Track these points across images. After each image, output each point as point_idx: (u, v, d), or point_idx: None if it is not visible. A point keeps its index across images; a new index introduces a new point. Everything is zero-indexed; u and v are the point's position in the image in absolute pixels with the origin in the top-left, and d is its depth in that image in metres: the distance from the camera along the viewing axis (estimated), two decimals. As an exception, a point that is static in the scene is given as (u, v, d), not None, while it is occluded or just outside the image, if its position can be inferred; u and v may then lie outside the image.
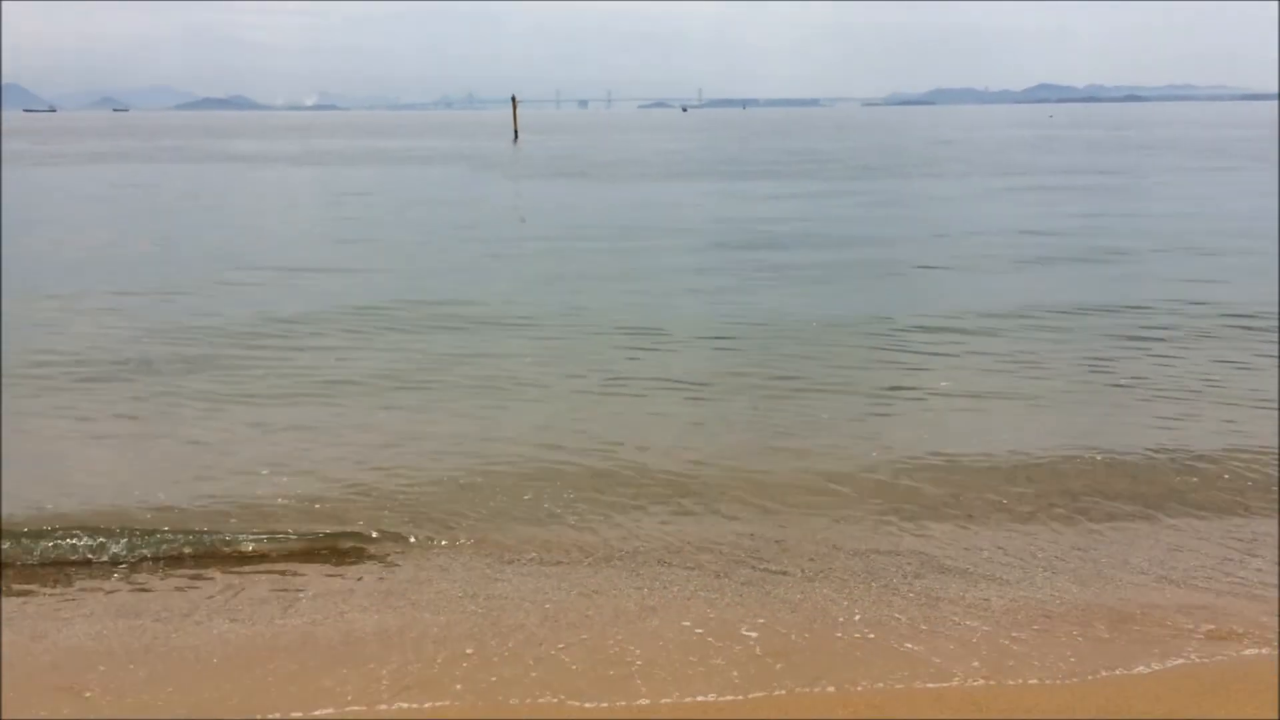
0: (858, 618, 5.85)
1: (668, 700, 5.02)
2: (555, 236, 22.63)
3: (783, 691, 5.10)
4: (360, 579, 6.40)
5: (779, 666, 5.32)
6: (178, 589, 6.27)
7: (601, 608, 5.97)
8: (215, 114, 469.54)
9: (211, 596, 6.18)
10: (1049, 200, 30.00)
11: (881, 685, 5.16)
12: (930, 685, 5.16)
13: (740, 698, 5.04)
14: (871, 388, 10.32)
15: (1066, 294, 14.94)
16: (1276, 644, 5.57)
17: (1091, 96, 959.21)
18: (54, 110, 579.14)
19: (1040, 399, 9.99)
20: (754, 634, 5.65)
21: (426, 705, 4.99)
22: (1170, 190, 33.82)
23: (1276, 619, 5.84)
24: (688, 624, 5.76)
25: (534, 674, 5.25)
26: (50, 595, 6.21)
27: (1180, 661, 5.42)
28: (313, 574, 6.47)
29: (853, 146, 70.79)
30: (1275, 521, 7.20)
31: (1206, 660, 5.43)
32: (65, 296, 15.50)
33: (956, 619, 5.84)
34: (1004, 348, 11.88)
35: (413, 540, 6.89)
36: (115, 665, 5.37)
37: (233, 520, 7.15)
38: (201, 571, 6.50)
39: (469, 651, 5.46)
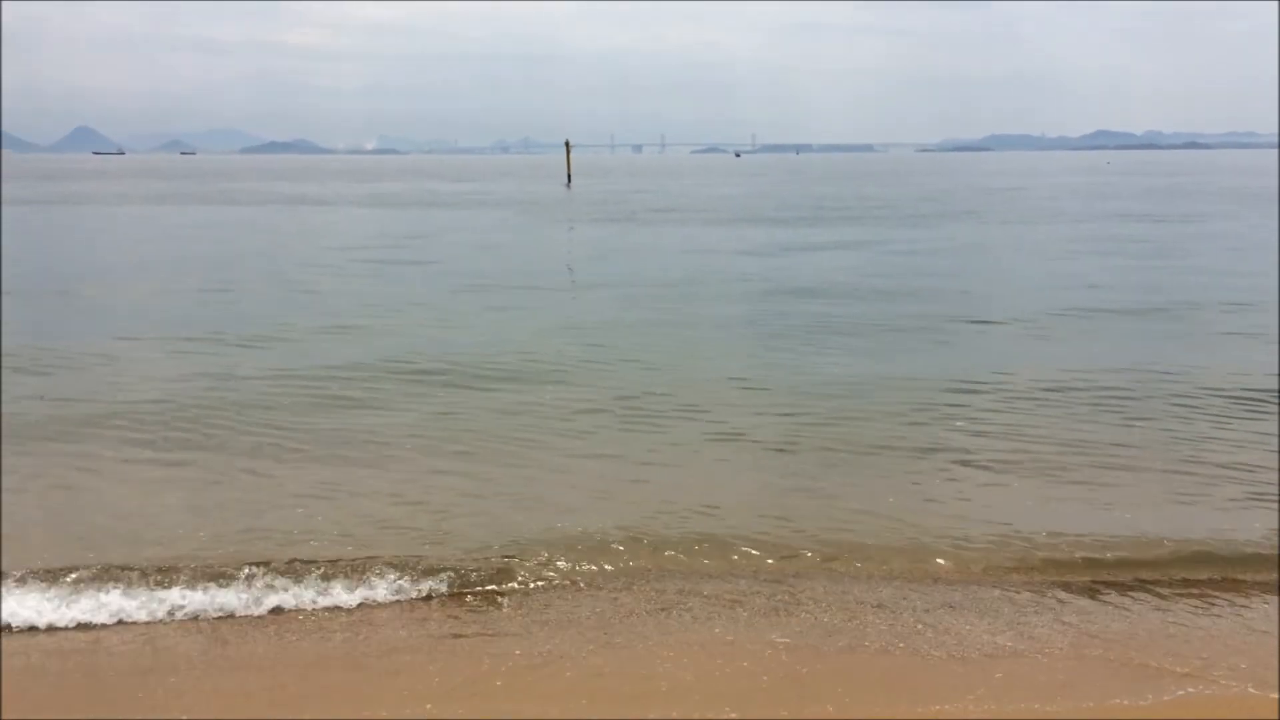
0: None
1: None
2: (602, 286, 22.60)
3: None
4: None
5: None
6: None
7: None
8: (279, 157, 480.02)
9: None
10: (1102, 251, 29.80)
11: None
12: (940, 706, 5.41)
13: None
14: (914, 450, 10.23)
15: (1120, 356, 14.43)
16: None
17: (1150, 143, 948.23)
18: (122, 153, 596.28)
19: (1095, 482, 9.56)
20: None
21: None
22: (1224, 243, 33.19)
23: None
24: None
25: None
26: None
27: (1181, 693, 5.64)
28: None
29: (904, 193, 70.71)
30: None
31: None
32: (152, 340, 16.22)
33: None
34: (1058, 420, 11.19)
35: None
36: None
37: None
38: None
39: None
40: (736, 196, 68.04)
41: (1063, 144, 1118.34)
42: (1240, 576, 7.36)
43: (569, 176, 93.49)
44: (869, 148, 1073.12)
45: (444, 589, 7.15)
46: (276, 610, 6.88)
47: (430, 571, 7.31)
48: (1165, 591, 7.14)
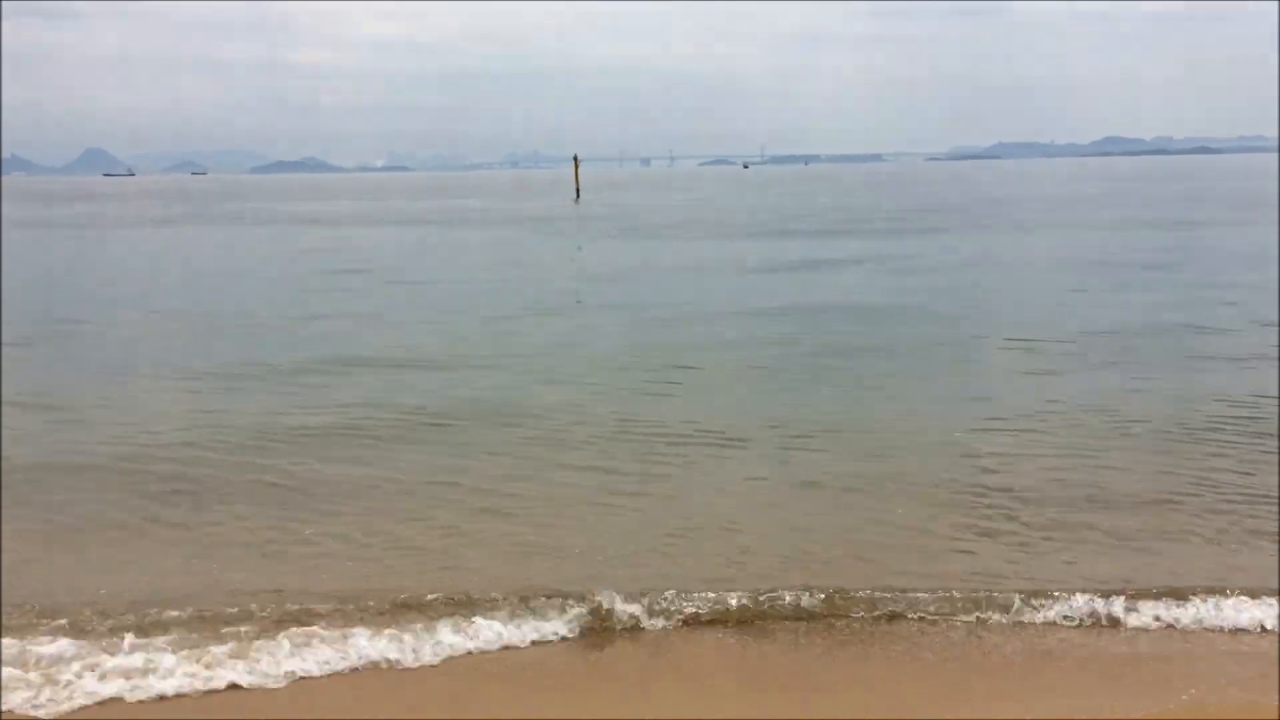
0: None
1: None
2: (609, 309, 22.06)
3: None
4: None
5: None
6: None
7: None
8: (290, 177, 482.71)
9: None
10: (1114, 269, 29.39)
11: None
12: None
13: None
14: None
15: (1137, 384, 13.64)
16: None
17: (1160, 149, 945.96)
18: (132, 174, 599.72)
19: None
20: None
21: None
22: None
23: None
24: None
25: None
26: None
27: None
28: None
29: (911, 204, 70.42)
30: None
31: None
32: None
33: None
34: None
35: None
36: None
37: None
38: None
39: None
40: (743, 209, 67.85)
41: (1072, 150, 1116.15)
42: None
43: (577, 191, 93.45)
44: (878, 157, 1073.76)
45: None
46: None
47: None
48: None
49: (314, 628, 6.76)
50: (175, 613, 6.98)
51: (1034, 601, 7.13)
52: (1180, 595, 7.19)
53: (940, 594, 7.28)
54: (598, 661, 6.61)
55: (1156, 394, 13.00)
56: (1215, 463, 10.07)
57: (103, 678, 6.16)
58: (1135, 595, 7.18)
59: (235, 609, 7.07)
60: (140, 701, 6.02)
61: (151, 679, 6.19)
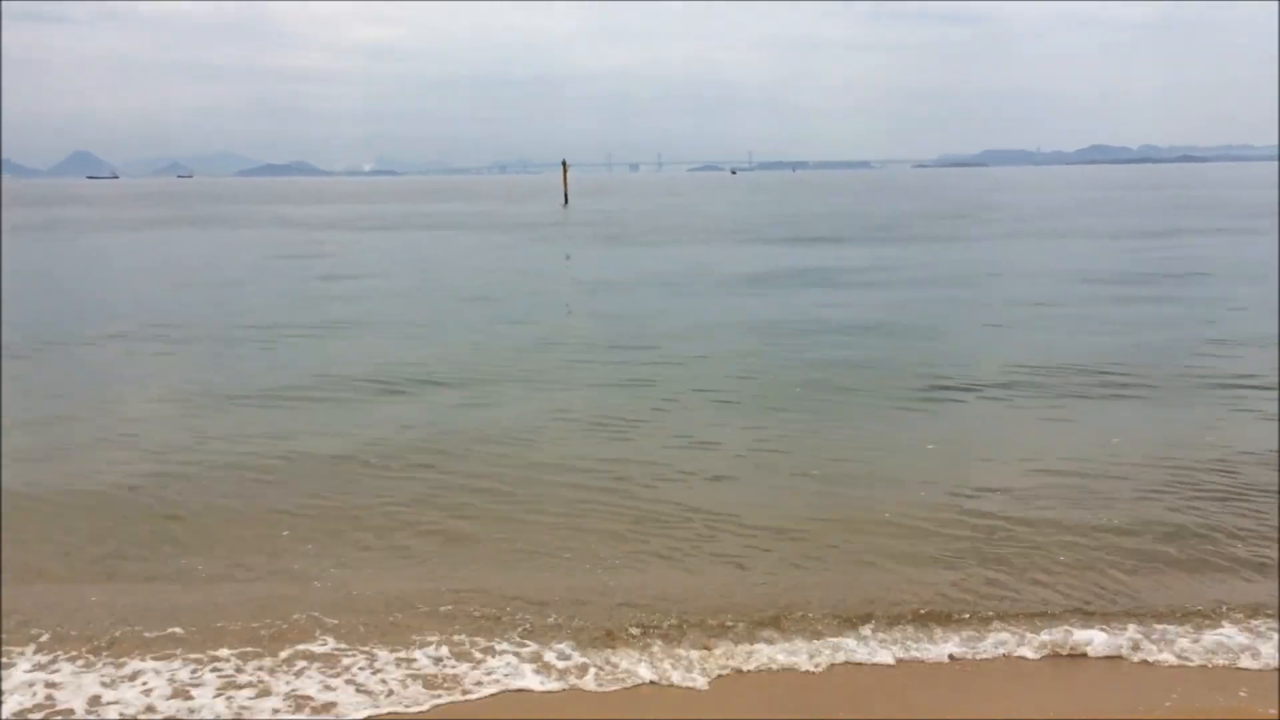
0: None
1: None
2: (601, 321, 20.80)
3: None
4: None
5: None
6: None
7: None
8: (277, 180, 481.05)
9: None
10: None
11: None
12: None
13: None
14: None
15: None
16: None
17: (1146, 157, 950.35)
18: (116, 177, 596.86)
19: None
20: None
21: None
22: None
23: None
24: None
25: None
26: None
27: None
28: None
29: (899, 210, 70.54)
30: None
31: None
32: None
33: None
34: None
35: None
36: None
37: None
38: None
39: None
40: (729, 215, 67.86)
41: (1058, 159, 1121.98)
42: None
43: (566, 196, 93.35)
44: (866, 164, 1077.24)
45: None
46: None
47: None
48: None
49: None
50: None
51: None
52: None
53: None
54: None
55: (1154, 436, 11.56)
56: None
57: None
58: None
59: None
60: None
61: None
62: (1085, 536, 8.48)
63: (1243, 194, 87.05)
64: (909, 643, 6.79)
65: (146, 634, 6.88)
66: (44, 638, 6.87)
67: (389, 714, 5.93)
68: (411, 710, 5.96)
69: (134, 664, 6.52)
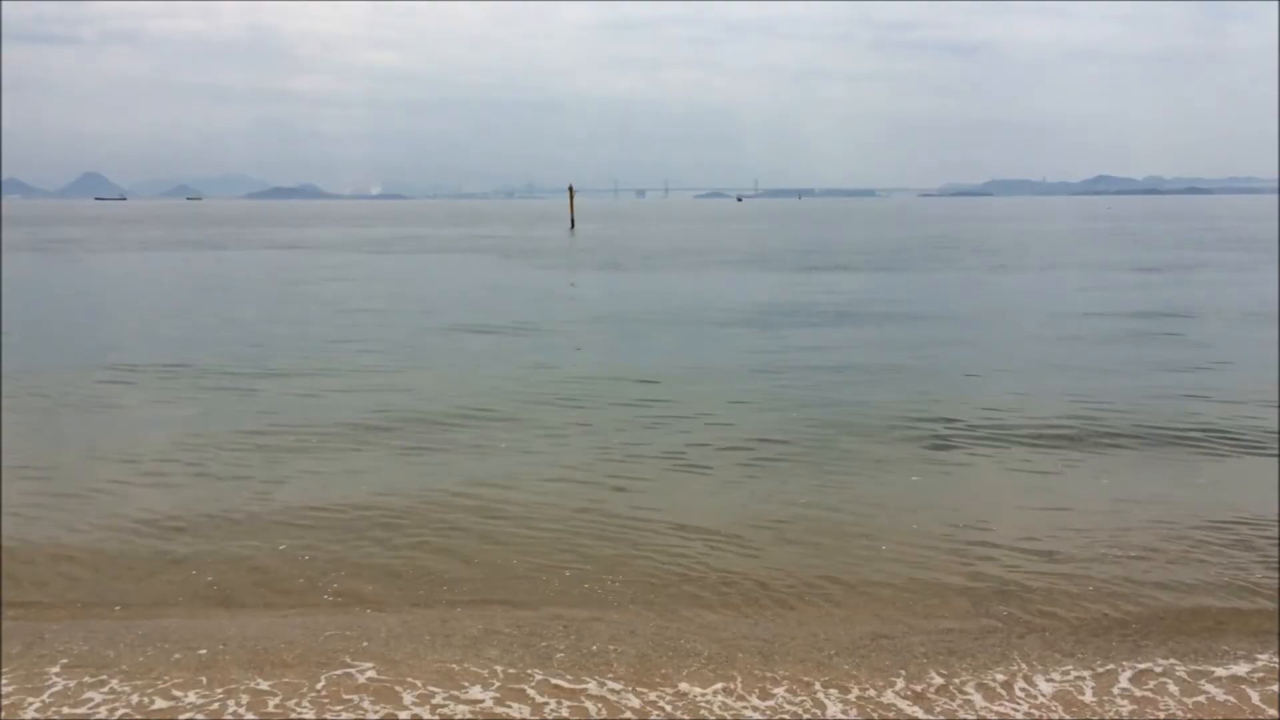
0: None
1: None
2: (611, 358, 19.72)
3: None
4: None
5: None
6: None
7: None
8: (285, 203, 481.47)
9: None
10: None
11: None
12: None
13: None
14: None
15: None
16: None
17: (1151, 188, 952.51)
18: (124, 198, 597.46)
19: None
20: None
21: None
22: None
23: None
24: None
25: None
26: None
27: None
28: None
29: (903, 238, 70.96)
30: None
31: None
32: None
33: None
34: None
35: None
36: None
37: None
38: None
39: None
40: (734, 244, 68.33)
41: (1064, 189, 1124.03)
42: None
43: (572, 221, 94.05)
44: (871, 193, 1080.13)
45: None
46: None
47: None
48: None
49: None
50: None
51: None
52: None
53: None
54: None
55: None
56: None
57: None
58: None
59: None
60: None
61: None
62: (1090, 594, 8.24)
63: (1255, 227, 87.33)
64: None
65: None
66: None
67: None
68: None
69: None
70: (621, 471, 11.51)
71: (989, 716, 6.21)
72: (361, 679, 6.67)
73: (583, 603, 8.07)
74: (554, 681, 6.65)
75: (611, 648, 7.16)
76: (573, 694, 6.49)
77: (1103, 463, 11.92)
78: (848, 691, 6.52)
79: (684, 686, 6.59)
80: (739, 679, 6.68)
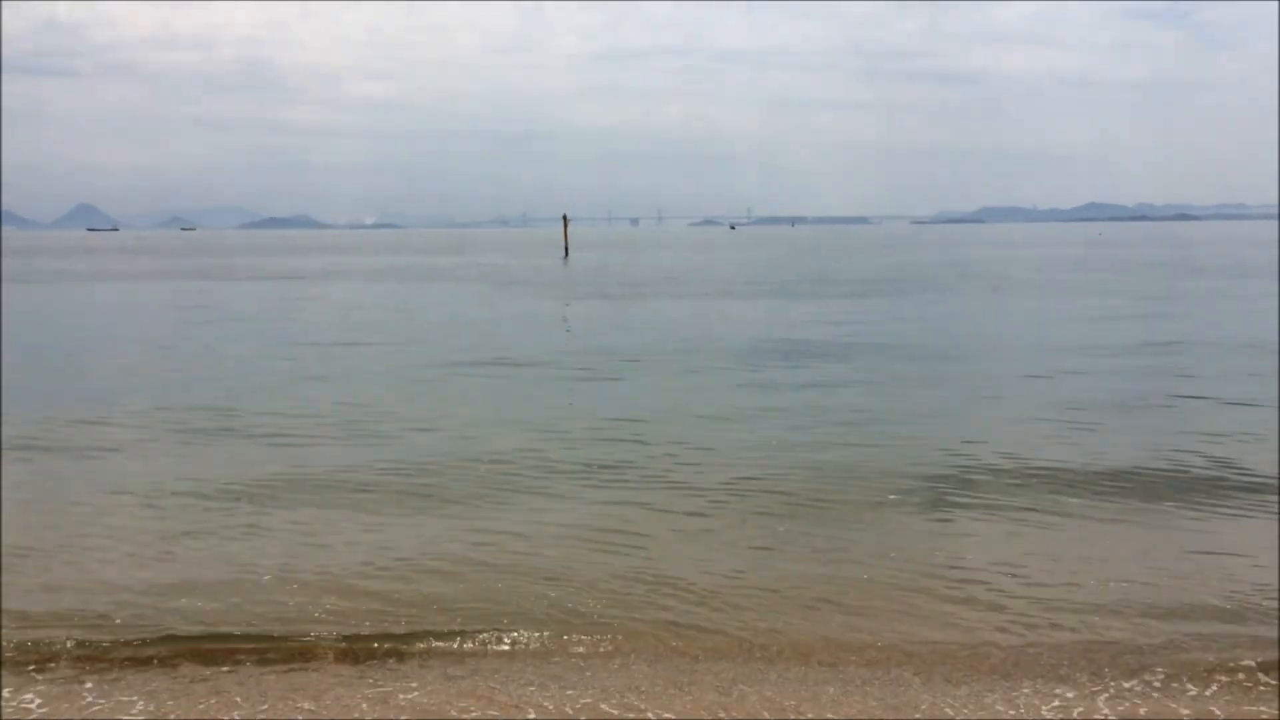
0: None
1: None
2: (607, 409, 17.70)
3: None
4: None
5: None
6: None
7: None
8: (280, 233, 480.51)
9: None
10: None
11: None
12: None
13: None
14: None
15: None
16: None
17: (1141, 215, 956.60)
18: (116, 229, 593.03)
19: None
20: None
21: None
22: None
23: None
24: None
25: None
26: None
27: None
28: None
29: (895, 264, 71.42)
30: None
31: None
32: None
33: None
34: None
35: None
36: None
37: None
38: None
39: None
40: (724, 272, 68.69)
41: (1054, 215, 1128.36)
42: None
43: (566, 250, 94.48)
44: (864, 220, 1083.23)
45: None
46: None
47: None
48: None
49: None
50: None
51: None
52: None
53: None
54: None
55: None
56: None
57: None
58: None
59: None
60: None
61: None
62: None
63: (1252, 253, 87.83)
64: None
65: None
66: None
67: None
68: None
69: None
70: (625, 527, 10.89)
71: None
72: None
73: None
74: None
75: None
76: None
77: (1105, 510, 11.31)
78: None
79: None
80: None
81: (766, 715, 6.74)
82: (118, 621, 8.47)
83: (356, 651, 7.96)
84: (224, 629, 8.32)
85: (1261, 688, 7.20)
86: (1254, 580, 9.16)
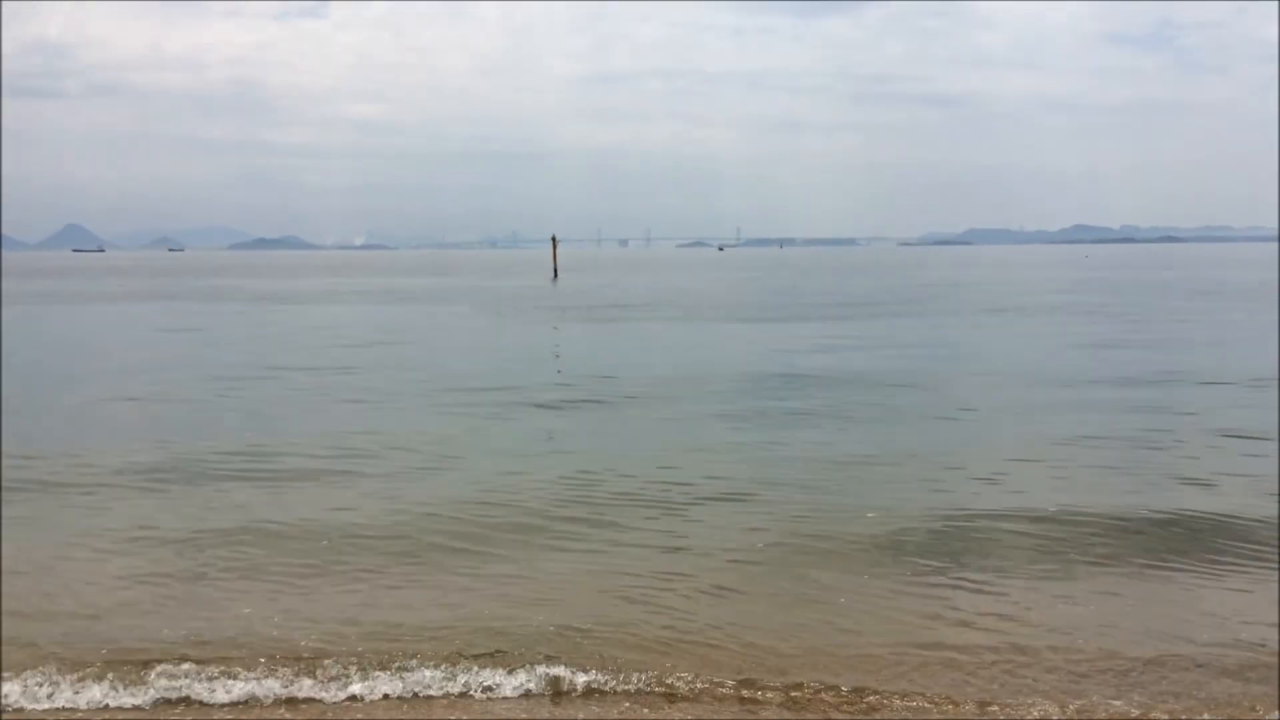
0: None
1: None
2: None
3: None
4: None
5: None
6: None
7: None
8: (268, 254, 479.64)
9: None
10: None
11: None
12: None
13: None
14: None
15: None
16: None
17: (1127, 237, 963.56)
18: (102, 250, 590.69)
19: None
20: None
21: None
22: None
23: None
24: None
25: None
26: None
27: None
28: None
29: (881, 286, 71.40)
30: None
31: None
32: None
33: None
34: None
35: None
36: None
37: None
38: None
39: None
40: (711, 293, 68.57)
41: (1041, 237, 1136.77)
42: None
43: (555, 271, 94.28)
44: (852, 241, 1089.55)
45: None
46: None
47: None
48: None
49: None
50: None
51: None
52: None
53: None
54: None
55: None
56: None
57: None
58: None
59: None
60: None
61: None
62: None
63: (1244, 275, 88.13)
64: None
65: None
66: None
67: None
68: None
69: None
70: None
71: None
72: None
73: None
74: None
75: None
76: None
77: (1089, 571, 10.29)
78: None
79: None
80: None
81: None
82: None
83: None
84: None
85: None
86: (1252, 637, 8.56)
